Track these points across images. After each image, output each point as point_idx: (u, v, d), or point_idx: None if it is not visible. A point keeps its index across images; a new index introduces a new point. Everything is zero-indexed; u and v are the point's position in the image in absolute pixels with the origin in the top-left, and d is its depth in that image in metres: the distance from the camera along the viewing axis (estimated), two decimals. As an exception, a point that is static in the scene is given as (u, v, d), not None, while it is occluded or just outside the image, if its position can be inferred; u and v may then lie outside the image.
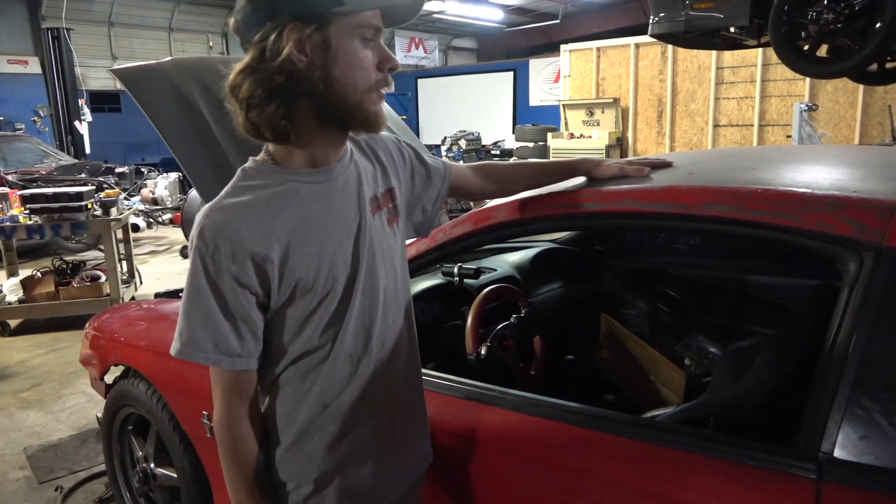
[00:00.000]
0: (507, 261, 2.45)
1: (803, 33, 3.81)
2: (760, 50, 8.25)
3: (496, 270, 2.32)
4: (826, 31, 3.67)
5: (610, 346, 2.25)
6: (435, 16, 18.22)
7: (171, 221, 8.66)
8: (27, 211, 5.02)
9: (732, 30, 4.49)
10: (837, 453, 0.96)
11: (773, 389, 1.22)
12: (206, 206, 1.05)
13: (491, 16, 18.30)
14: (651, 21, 4.74)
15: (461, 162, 11.07)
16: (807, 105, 7.86)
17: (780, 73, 9.03)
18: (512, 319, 1.84)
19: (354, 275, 1.10)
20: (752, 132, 9.70)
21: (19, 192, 5.24)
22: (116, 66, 2.34)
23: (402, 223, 1.25)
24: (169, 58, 3.01)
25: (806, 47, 3.86)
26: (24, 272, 5.58)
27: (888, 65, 4.44)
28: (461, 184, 1.42)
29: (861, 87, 8.42)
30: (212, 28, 16.12)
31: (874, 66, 4.28)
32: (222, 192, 1.06)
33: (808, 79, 8.60)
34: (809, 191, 1.15)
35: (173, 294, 2.75)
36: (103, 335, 2.39)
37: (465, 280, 2.13)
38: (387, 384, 1.18)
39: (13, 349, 4.88)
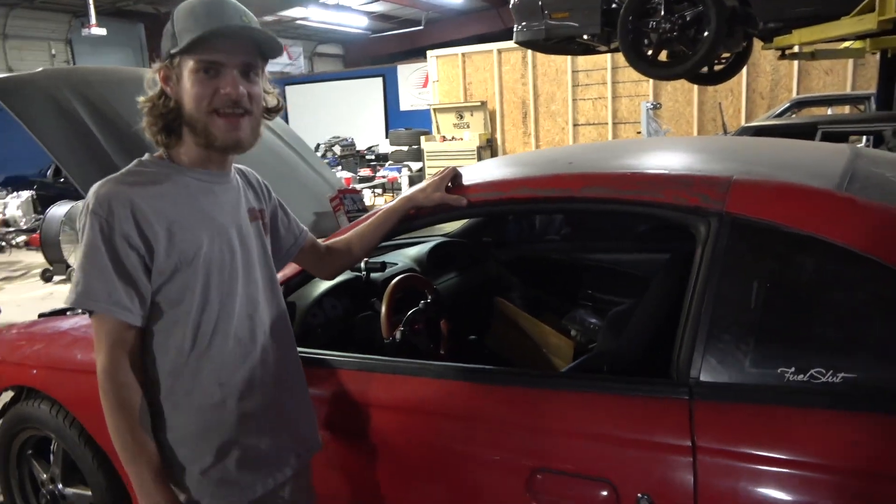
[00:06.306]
0: (407, 255, 2.61)
1: (646, 40, 4.31)
2: (610, 55, 9.02)
3: (398, 264, 2.47)
4: (664, 38, 4.18)
5: (504, 325, 2.48)
6: (298, 22, 18.00)
7: (27, 244, 7.94)
8: None
9: (586, 37, 4.94)
10: (703, 377, 1.21)
11: (648, 337, 1.47)
12: (99, 182, 1.19)
13: (355, 22, 18.35)
14: (515, 29, 5.12)
15: (339, 167, 11.03)
16: (652, 104, 8.71)
17: (628, 75, 9.90)
18: (420, 305, 2.00)
19: (234, 264, 1.26)
20: (606, 129, 10.55)
21: None
22: None
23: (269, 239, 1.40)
24: (40, 68, 2.88)
25: (649, 52, 4.36)
26: None
27: (716, 67, 5.11)
28: (308, 254, 1.57)
29: (696, 87, 9.43)
30: (54, 34, 14.89)
31: (705, 69, 4.91)
32: (116, 173, 1.21)
33: (651, 80, 9.50)
34: (667, 172, 1.41)
35: (60, 312, 2.65)
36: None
37: (372, 274, 2.26)
38: (272, 369, 1.34)
39: None
